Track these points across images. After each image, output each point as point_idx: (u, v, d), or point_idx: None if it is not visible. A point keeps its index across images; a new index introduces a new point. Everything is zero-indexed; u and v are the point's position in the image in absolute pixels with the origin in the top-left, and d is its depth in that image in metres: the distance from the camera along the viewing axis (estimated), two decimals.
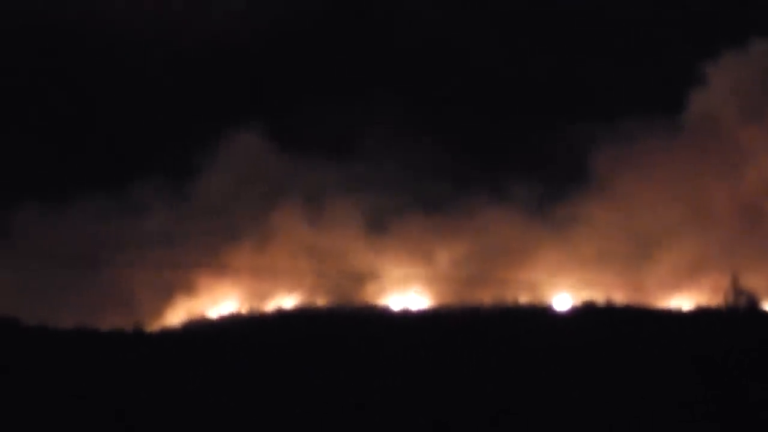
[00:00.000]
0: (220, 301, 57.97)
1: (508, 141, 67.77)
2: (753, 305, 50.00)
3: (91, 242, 60.86)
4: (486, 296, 56.27)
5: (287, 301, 56.85)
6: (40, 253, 58.18)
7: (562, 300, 55.29)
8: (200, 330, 53.87)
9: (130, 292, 59.18)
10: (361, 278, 57.58)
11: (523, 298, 55.71)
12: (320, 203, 62.17)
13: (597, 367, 47.62)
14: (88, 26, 67.98)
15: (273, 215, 61.62)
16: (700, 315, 52.62)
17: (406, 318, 54.25)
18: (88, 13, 68.22)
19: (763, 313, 50.84)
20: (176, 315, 57.83)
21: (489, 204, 61.88)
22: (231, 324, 54.38)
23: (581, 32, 72.32)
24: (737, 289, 50.18)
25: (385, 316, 54.67)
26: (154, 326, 56.03)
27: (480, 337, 50.32)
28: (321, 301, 56.37)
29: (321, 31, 71.94)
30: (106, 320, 54.96)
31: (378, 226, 61.66)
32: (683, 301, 54.99)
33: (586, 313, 53.10)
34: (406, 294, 57.57)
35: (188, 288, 59.03)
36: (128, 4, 69.79)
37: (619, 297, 54.68)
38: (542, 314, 53.25)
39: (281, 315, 55.04)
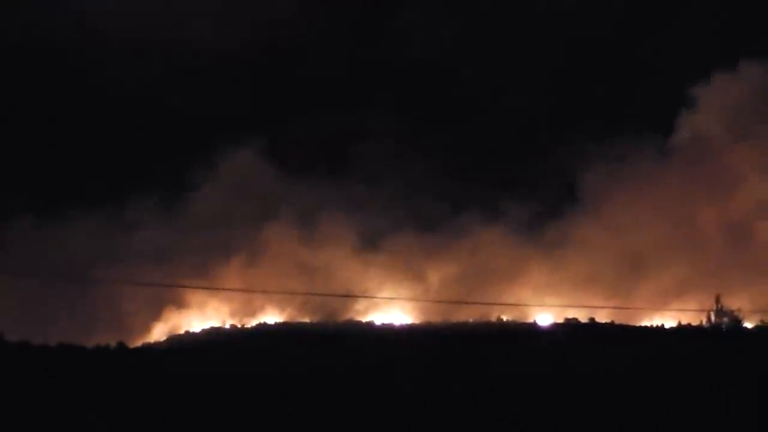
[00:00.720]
0: (209, 318, 58.06)
1: (500, 161, 68.14)
2: (736, 324, 49.96)
3: (82, 258, 61.11)
4: (472, 315, 56.62)
5: (272, 317, 57.00)
6: (30, 269, 58.20)
7: (545, 318, 55.39)
8: (183, 345, 53.83)
9: (118, 309, 59.35)
10: (348, 295, 57.68)
11: (507, 317, 55.94)
12: (313, 221, 62.42)
13: (578, 383, 47.62)
14: (85, 41, 68.53)
15: (265, 232, 61.86)
16: (682, 332, 52.81)
17: (388, 334, 54.16)
18: (85, 27, 68.69)
19: (746, 331, 50.90)
20: (163, 331, 58.03)
21: (481, 224, 62.16)
22: (213, 339, 54.31)
23: (574, 54, 72.77)
24: (720, 309, 50.14)
25: (368, 332, 54.60)
26: (140, 342, 56.27)
27: (461, 354, 50.30)
28: (306, 318, 56.56)
29: (317, 49, 72.53)
30: (95, 337, 55.22)
31: (370, 244, 61.94)
32: (666, 321, 55.09)
33: (568, 330, 53.20)
34: (391, 311, 57.68)
35: (177, 305, 59.18)
36: (125, 20, 70.13)
37: (603, 316, 54.82)
38: (525, 331, 53.25)
39: (263, 330, 55.10)
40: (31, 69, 70.48)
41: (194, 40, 69.65)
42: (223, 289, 57.33)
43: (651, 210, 63.60)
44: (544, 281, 60.56)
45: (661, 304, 57.25)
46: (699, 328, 51.37)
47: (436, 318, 56.25)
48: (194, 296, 59.12)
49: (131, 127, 70.01)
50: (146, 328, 58.69)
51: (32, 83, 70.25)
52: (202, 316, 57.76)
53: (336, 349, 50.79)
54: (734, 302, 50.98)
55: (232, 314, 57.45)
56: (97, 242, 62.93)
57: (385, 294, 59.21)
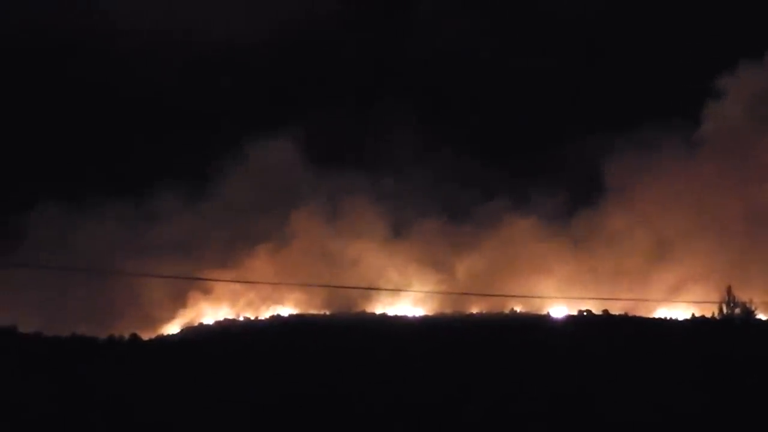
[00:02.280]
0: (224, 310, 58.32)
1: (526, 150, 67.92)
2: (748, 316, 49.50)
3: (104, 248, 61.44)
4: (489, 306, 56.50)
5: (287, 309, 57.17)
6: (51, 260, 58.49)
7: (558, 310, 55.13)
8: (196, 337, 54.07)
9: (137, 300, 59.62)
10: (355, 287, 57.61)
11: (522, 308, 55.79)
12: (338, 211, 62.39)
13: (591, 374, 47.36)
14: (110, 30, 68.93)
15: (289, 223, 61.87)
16: (694, 324, 52.41)
17: (400, 326, 54.13)
18: (110, 17, 69.07)
19: (758, 323, 50.42)
20: (181, 323, 58.29)
21: (507, 214, 61.96)
22: (227, 331, 54.53)
23: (600, 42, 72.21)
24: (732, 301, 49.71)
25: (380, 324, 54.58)
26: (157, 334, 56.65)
27: (474, 344, 50.25)
28: (320, 310, 56.65)
29: (339, 41, 72.48)
30: (116, 328, 55.69)
31: (395, 234, 61.85)
32: (680, 312, 54.69)
33: (580, 322, 52.94)
34: (405, 302, 57.66)
35: (196, 297, 59.31)
36: (152, 8, 70.41)
37: (619, 307, 54.51)
38: (535, 323, 53.03)
39: (277, 323, 55.24)
40: (55, 60, 70.77)
41: (217, 33, 69.95)
42: (239, 281, 57.48)
43: (676, 201, 63.04)
44: (569, 273, 60.22)
45: (677, 295, 56.74)
46: (711, 320, 50.99)
47: (452, 309, 56.09)
48: (214, 288, 59.29)
49: (156, 119, 70.26)
50: (165, 320, 58.91)
51: (60, 76, 70.64)
52: (217, 308, 57.96)
53: (348, 341, 50.76)
54: (748, 294, 50.63)
55: (248, 305, 57.57)
56: (120, 233, 63.14)
57: (406, 285, 59.10)
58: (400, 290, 57.52)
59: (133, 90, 69.73)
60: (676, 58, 70.63)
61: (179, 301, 59.28)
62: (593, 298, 54.30)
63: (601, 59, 72.17)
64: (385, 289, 57.60)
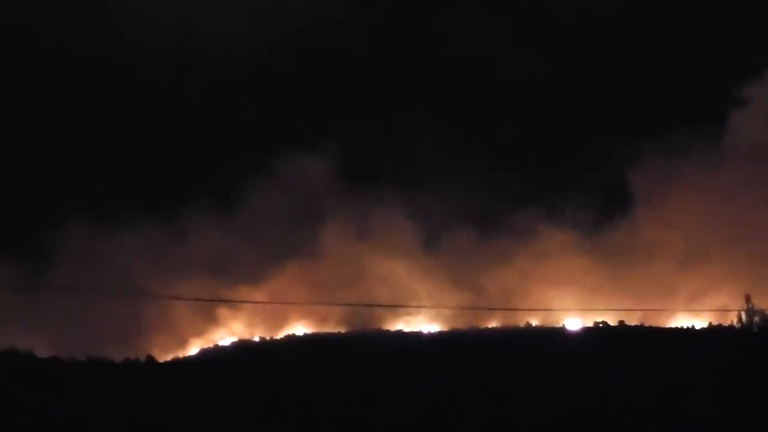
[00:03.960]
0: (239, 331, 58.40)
1: (557, 159, 67.81)
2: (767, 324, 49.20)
3: (130, 269, 61.51)
4: (506, 321, 56.37)
5: (302, 329, 57.16)
6: (74, 282, 58.64)
7: (574, 322, 54.91)
8: (213, 359, 54.11)
9: (164, 321, 59.70)
10: (397, 302, 57.65)
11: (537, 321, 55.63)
12: (369, 225, 62.30)
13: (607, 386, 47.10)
14: (138, 47, 68.83)
15: (319, 238, 61.86)
16: (712, 333, 52.08)
17: (415, 342, 54.03)
18: (138, 34, 69.15)
19: None
20: (199, 344, 58.34)
21: (536, 225, 61.73)
22: (242, 352, 54.52)
23: (628, 50, 71.94)
24: (751, 309, 49.43)
25: (396, 340, 54.51)
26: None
27: (491, 357, 50.11)
28: (335, 328, 56.60)
29: (359, 52, 72.41)
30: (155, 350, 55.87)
31: (421, 248, 61.76)
32: (698, 321, 54.38)
33: (596, 334, 52.70)
34: (424, 318, 57.58)
35: (230, 313, 59.37)
36: (177, 25, 70.52)
37: (635, 318, 54.24)
38: (548, 336, 52.86)
39: (293, 342, 55.23)
40: (88, 78, 70.83)
41: (243, 48, 69.79)
42: (258, 302, 57.57)
43: (703, 209, 62.69)
44: (593, 284, 59.98)
45: (697, 303, 56.43)
46: (729, 329, 50.68)
47: (469, 324, 55.99)
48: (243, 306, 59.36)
49: (184, 136, 70.41)
50: (186, 342, 59.00)
51: (90, 93, 70.68)
52: (232, 330, 58.07)
53: (362, 359, 50.68)
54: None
55: (263, 325, 57.65)
56: (148, 251, 63.09)
57: (429, 301, 59.06)
58: (404, 306, 57.47)
59: (161, 106, 69.65)
60: (704, 64, 70.16)
61: (207, 321, 59.44)
62: (608, 309, 54.10)
63: (628, 66, 71.83)
64: (396, 306, 57.56)
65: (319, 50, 70.45)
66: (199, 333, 58.90)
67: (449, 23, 72.51)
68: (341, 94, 71.28)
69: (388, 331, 56.05)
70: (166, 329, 59.36)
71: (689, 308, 55.78)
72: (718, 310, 53.16)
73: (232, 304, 58.58)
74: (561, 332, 53.97)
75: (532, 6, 73.51)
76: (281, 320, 58.56)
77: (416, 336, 55.36)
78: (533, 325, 55.20)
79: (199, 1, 71.24)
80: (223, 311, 58.99)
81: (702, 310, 54.43)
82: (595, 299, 58.20)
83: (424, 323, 57.55)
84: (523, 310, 56.92)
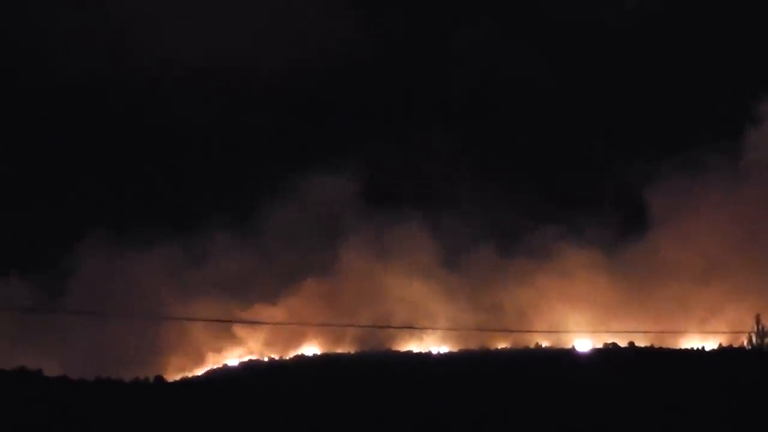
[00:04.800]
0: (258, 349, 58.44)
1: (575, 176, 67.67)
2: None
3: (148, 290, 61.67)
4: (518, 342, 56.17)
5: (311, 349, 57.14)
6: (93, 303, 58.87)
7: (584, 343, 54.63)
8: (221, 379, 54.11)
9: (182, 341, 59.85)
10: (378, 326, 57.50)
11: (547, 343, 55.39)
12: (388, 244, 62.23)
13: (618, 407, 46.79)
14: (156, 67, 69.31)
15: (339, 258, 61.86)
16: (723, 354, 51.68)
17: (425, 363, 53.85)
18: (156, 54, 69.62)
19: None
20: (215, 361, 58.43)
21: (555, 244, 61.51)
22: (251, 372, 54.50)
23: (645, 66, 71.79)
24: (762, 330, 49.01)
25: (404, 361, 54.35)
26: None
27: (497, 379, 49.86)
28: (345, 349, 56.55)
29: (375, 72, 72.49)
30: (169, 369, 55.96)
31: (439, 268, 61.55)
32: (708, 342, 54.01)
33: (605, 355, 52.37)
34: (435, 339, 57.43)
35: (247, 333, 59.43)
36: (196, 46, 70.88)
37: (646, 339, 53.91)
38: (556, 358, 52.58)
39: (302, 362, 55.18)
40: (107, 99, 71.26)
41: (263, 67, 70.05)
42: (265, 323, 57.60)
43: (719, 229, 62.31)
44: (607, 304, 59.69)
45: (709, 324, 56.04)
46: (740, 350, 50.26)
47: (480, 345, 55.86)
48: (247, 329, 59.38)
49: (200, 155, 70.71)
50: (202, 361, 59.11)
51: (106, 111, 71.04)
52: (249, 349, 58.11)
53: (370, 380, 50.53)
54: None
55: (273, 345, 57.67)
56: (166, 272, 63.26)
57: (443, 321, 58.95)
58: (416, 327, 57.37)
59: (182, 126, 69.92)
60: (721, 81, 69.88)
61: (223, 340, 59.51)
62: (619, 332, 53.79)
63: (648, 85, 71.66)
64: (409, 327, 57.47)
65: (337, 70, 70.80)
66: (215, 352, 59.05)
67: (466, 41, 72.69)
68: (359, 112, 71.52)
69: (398, 352, 55.89)
70: (182, 349, 59.56)
71: (701, 329, 55.38)
72: (727, 332, 52.79)
73: (246, 323, 58.69)
74: (570, 353, 53.67)
75: (552, 24, 73.64)
76: (297, 339, 58.63)
77: (425, 356, 55.11)
78: (543, 346, 54.96)
79: (221, 22, 71.86)
80: (238, 330, 59.14)
81: (712, 332, 54.05)
82: (609, 319, 57.97)
83: (436, 344, 57.45)
84: (536, 332, 56.70)
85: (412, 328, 57.63)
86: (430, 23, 74.40)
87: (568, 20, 73.29)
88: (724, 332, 53.37)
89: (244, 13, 72.04)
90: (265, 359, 56.48)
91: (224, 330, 59.37)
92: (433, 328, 57.43)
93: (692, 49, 71.45)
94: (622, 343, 53.55)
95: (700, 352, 53.20)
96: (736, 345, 51.77)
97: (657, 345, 53.33)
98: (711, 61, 70.63)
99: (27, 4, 71.07)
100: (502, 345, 55.91)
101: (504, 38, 72.62)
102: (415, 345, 57.48)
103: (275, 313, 59.26)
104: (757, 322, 49.19)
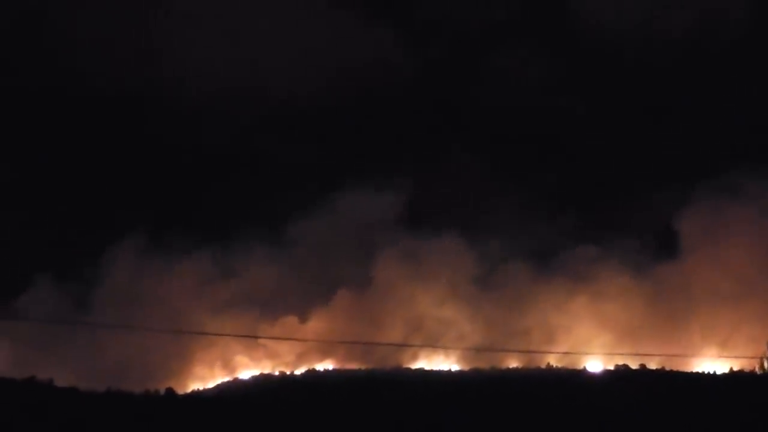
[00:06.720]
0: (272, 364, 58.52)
1: (609, 199, 67.57)
2: None
3: (171, 304, 61.87)
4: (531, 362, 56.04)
5: (323, 364, 57.20)
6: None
7: (595, 365, 54.42)
8: (230, 393, 54.14)
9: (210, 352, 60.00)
10: (389, 343, 57.49)
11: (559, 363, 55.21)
12: (418, 262, 62.13)
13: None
14: (202, 81, 70.14)
15: (371, 273, 62.01)
16: (733, 378, 51.31)
17: (434, 381, 53.75)
18: (203, 67, 70.24)
19: None
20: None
21: (586, 266, 61.30)
22: (262, 387, 54.54)
23: (677, 88, 71.67)
24: None
25: (415, 378, 54.26)
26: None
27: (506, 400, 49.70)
28: (356, 365, 56.57)
29: (419, 91, 73.00)
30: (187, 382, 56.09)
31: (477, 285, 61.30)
32: (719, 367, 53.67)
33: (616, 377, 52.12)
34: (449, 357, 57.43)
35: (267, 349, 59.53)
36: (242, 62, 71.39)
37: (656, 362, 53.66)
38: (573, 378, 52.36)
39: (313, 378, 55.20)
40: (140, 112, 71.72)
41: (301, 86, 70.66)
42: (277, 338, 57.68)
43: (749, 255, 61.97)
44: (634, 326, 59.48)
45: (724, 348, 55.72)
46: (751, 374, 49.90)
47: (491, 364, 55.77)
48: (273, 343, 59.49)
49: (234, 171, 71.11)
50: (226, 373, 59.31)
51: (140, 125, 71.67)
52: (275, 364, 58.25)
53: (378, 397, 50.46)
54: None
55: (286, 360, 57.77)
56: (191, 285, 63.43)
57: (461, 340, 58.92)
58: (432, 346, 57.29)
59: (217, 141, 70.85)
60: (755, 105, 69.87)
61: (248, 353, 59.64)
62: (628, 354, 53.54)
63: (683, 110, 71.73)
64: (417, 346, 57.41)
65: (374, 89, 71.15)
66: (238, 365, 59.21)
67: (505, 64, 72.88)
68: (396, 131, 71.77)
69: (409, 369, 55.85)
70: (204, 361, 59.74)
71: (719, 354, 55.05)
72: (739, 357, 52.44)
73: (267, 339, 58.80)
74: (581, 374, 53.45)
75: (589, 48, 73.83)
76: (318, 356, 58.72)
77: (436, 374, 55.02)
78: (554, 366, 54.81)
79: (261, 42, 72.76)
80: (264, 344, 59.26)
81: (724, 357, 53.71)
82: (633, 341, 57.70)
83: (456, 362, 57.44)
84: (550, 352, 56.57)
85: (412, 345, 57.66)
86: (470, 45, 75.00)
87: (608, 47, 73.59)
88: (731, 356, 53.06)
89: (289, 34, 73.34)
90: (276, 373, 56.51)
91: (249, 343, 59.52)
92: (445, 347, 57.34)
93: (726, 74, 71.54)
94: (634, 365, 53.23)
95: (711, 376, 52.85)
96: (747, 369, 51.26)
97: (668, 368, 53.01)
98: (742, 86, 70.65)
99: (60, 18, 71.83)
100: (513, 364, 55.74)
101: (544, 62, 73.35)
102: (437, 362, 57.44)
103: (302, 327, 59.40)
104: None
